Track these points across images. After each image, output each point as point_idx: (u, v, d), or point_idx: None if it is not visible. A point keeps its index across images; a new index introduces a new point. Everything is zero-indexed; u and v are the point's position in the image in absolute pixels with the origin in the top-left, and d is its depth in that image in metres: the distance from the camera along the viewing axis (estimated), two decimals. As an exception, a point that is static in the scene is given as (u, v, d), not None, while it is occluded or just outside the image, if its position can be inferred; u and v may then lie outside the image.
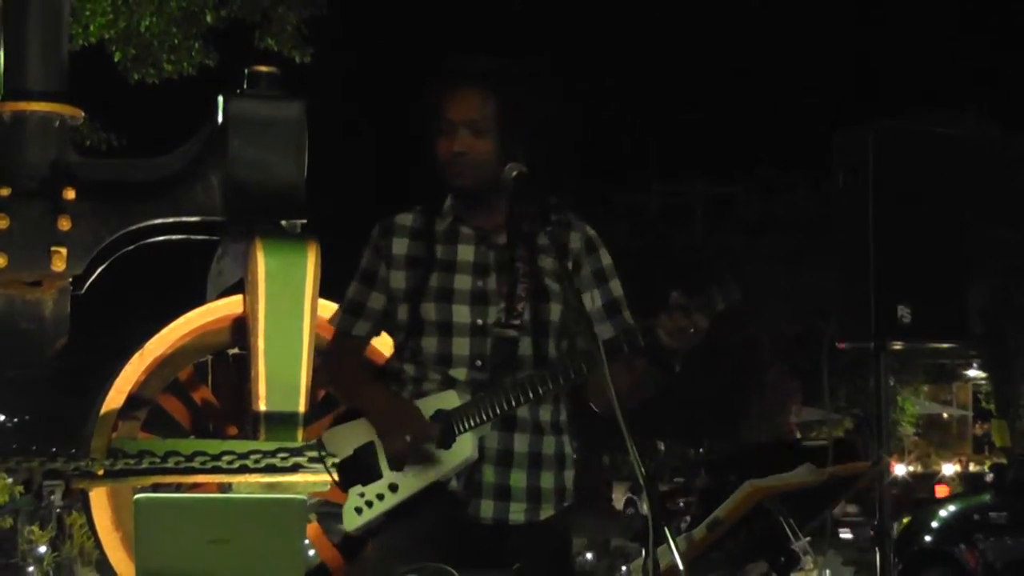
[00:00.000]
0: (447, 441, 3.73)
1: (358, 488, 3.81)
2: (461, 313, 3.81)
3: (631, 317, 3.93)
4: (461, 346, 3.81)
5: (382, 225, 3.97)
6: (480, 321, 3.81)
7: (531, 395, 3.74)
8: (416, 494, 3.76)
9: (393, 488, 3.76)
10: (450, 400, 3.77)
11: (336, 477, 3.88)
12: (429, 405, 3.80)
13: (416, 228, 3.93)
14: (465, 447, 3.74)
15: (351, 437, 3.87)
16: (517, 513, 3.82)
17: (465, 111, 3.82)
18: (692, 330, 3.66)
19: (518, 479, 3.83)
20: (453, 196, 3.92)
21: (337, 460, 3.86)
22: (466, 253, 3.87)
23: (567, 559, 4.04)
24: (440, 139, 3.84)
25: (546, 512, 3.87)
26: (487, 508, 3.80)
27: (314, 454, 6.98)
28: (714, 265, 29.73)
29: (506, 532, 3.81)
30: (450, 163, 3.83)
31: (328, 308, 7.11)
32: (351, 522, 3.81)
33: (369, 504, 3.78)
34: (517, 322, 3.82)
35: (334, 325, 4.04)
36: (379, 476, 3.79)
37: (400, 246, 3.90)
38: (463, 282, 3.84)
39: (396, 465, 3.77)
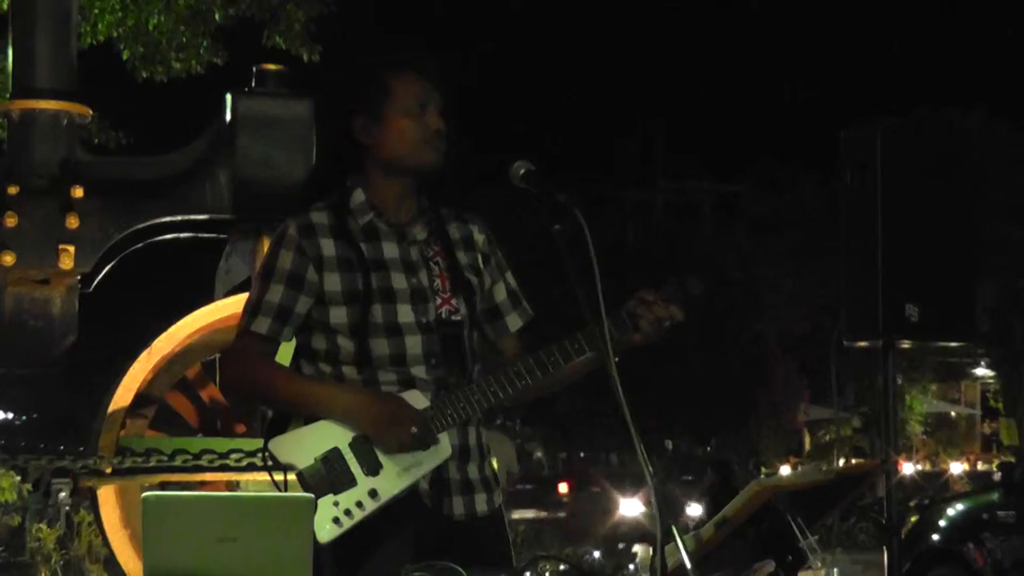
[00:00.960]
0: (430, 441, 3.71)
1: (331, 497, 3.64)
2: (405, 312, 3.76)
3: (529, 307, 4.02)
4: (414, 345, 3.75)
5: (299, 224, 3.77)
6: (424, 319, 3.77)
7: (511, 389, 3.75)
8: (394, 497, 3.68)
9: (373, 494, 3.66)
10: (416, 399, 3.71)
11: (302, 489, 3.65)
12: None
13: (333, 226, 3.80)
14: (445, 446, 3.73)
15: (309, 444, 3.69)
16: (481, 504, 3.82)
17: (432, 94, 3.83)
18: (668, 322, 3.78)
19: (474, 471, 3.82)
20: (367, 188, 3.84)
21: (298, 470, 3.65)
22: (391, 250, 3.81)
23: (508, 541, 4.05)
24: (409, 116, 3.80)
25: (498, 499, 3.90)
26: (458, 504, 3.78)
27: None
28: (722, 263, 29.68)
29: (476, 525, 3.81)
30: (430, 141, 3.79)
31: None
32: (328, 533, 3.62)
33: (347, 513, 3.64)
34: (458, 317, 3.82)
35: (257, 330, 3.76)
36: (354, 483, 3.66)
37: (327, 247, 3.76)
38: (399, 280, 3.78)
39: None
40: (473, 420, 3.82)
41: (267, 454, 3.72)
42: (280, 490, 3.66)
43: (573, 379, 3.92)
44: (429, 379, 3.75)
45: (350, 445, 3.69)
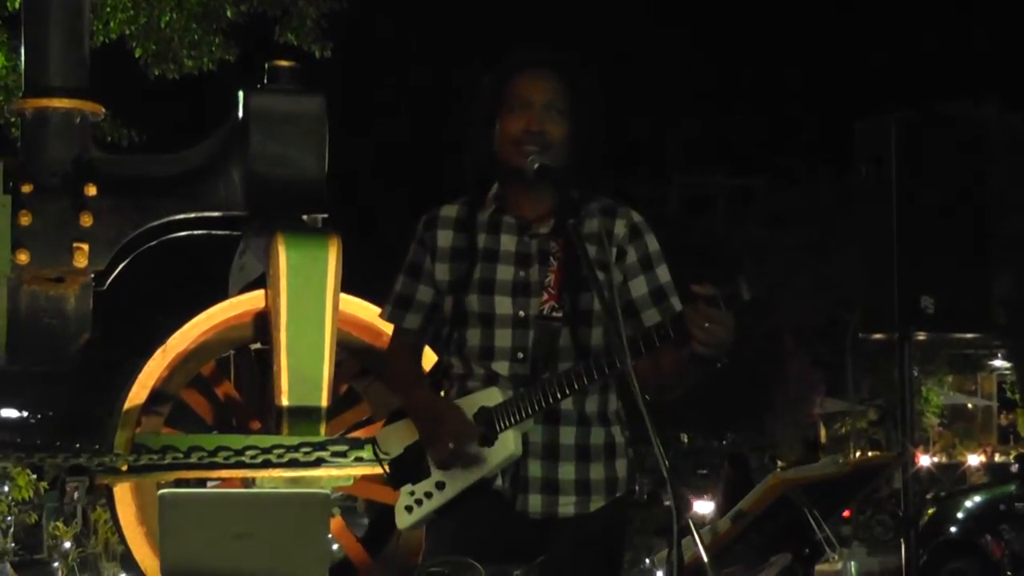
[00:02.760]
0: (489, 439, 3.72)
1: (408, 486, 3.83)
2: (503, 304, 3.79)
3: (679, 303, 3.87)
4: (503, 338, 3.78)
5: (427, 217, 3.95)
6: (522, 312, 3.78)
7: (572, 388, 3.71)
8: (462, 492, 3.75)
9: (440, 486, 3.77)
10: (492, 397, 3.74)
11: (388, 476, 3.92)
12: (472, 403, 3.78)
13: (459, 219, 3.91)
14: (508, 444, 3.72)
15: (402, 435, 3.89)
16: (566, 506, 3.80)
17: (544, 93, 3.82)
18: (720, 325, 3.52)
19: (566, 472, 3.79)
20: (501, 184, 3.89)
21: (390, 458, 3.88)
22: (508, 243, 3.84)
23: (619, 548, 4.00)
24: (510, 118, 3.81)
25: (596, 504, 3.84)
26: (535, 503, 3.78)
27: (338, 448, 7.00)
28: (736, 257, 29.67)
29: (556, 526, 3.79)
30: (523, 141, 3.79)
31: (350, 303, 7.12)
32: (402, 520, 3.83)
33: (419, 502, 3.80)
34: (559, 313, 3.79)
35: (384, 317, 4.04)
36: (428, 474, 3.79)
37: (444, 238, 3.89)
38: (505, 272, 3.81)
39: (442, 467, 3.77)
40: (569, 419, 3.79)
41: (374, 441, 3.98)
42: (388, 479, 3.94)
43: (676, 382, 3.76)
44: (507, 375, 3.77)
45: None
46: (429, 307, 3.94)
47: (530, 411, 3.71)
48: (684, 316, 3.57)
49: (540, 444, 3.76)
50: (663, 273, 3.93)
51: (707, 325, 3.50)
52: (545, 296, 3.80)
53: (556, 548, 3.74)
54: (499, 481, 3.75)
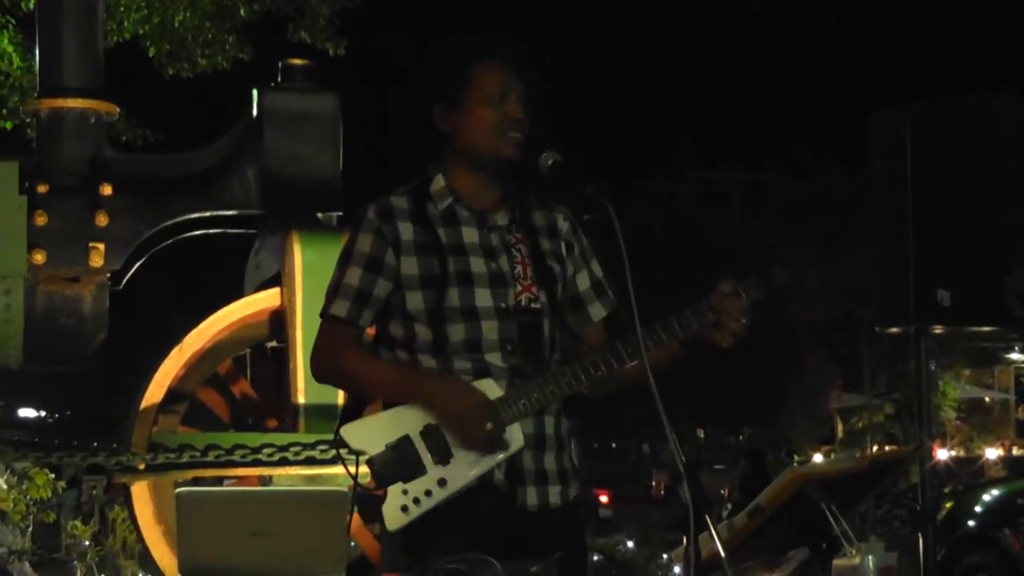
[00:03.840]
0: (500, 442, 3.69)
1: (400, 485, 3.64)
2: (483, 296, 3.73)
3: (613, 297, 3.95)
4: (490, 330, 3.72)
5: (379, 208, 3.78)
6: (503, 304, 3.74)
7: (585, 379, 3.72)
8: (463, 487, 3.67)
9: (442, 483, 3.65)
10: (490, 388, 3.68)
11: (371, 476, 3.68)
12: None
13: (412, 211, 3.79)
14: (517, 437, 3.71)
15: (379, 432, 3.70)
16: (555, 496, 3.79)
17: (517, 83, 3.80)
18: (746, 316, 3.65)
19: (551, 461, 3.78)
20: (452, 172, 3.83)
21: (372, 456, 3.65)
22: (470, 236, 3.78)
23: (584, 534, 4.04)
24: (486, 106, 3.78)
25: (574, 491, 3.85)
26: (531, 495, 3.76)
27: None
28: (751, 251, 29.62)
29: (548, 517, 3.79)
30: (509, 130, 3.76)
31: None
32: (396, 521, 3.64)
33: (416, 501, 3.64)
34: (538, 305, 3.78)
35: (336, 313, 3.76)
36: (423, 472, 3.66)
37: (406, 231, 3.75)
38: (478, 265, 3.75)
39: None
40: (550, 409, 3.78)
41: (338, 440, 3.71)
42: (352, 477, 3.67)
43: (657, 370, 3.71)
44: (504, 367, 3.72)
45: (421, 433, 3.68)
46: (383, 303, 3.77)
47: (543, 402, 3.70)
48: (704, 308, 3.65)
49: (531, 435, 3.73)
50: (596, 267, 3.96)
51: (742, 320, 3.63)
52: (519, 287, 3.77)
53: (549, 538, 3.73)
54: (496, 475, 3.73)
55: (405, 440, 3.68)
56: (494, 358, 3.73)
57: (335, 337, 3.81)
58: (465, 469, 3.67)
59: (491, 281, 3.76)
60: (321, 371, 3.89)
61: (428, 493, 3.66)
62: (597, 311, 3.92)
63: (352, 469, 3.68)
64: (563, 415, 3.86)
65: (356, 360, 3.81)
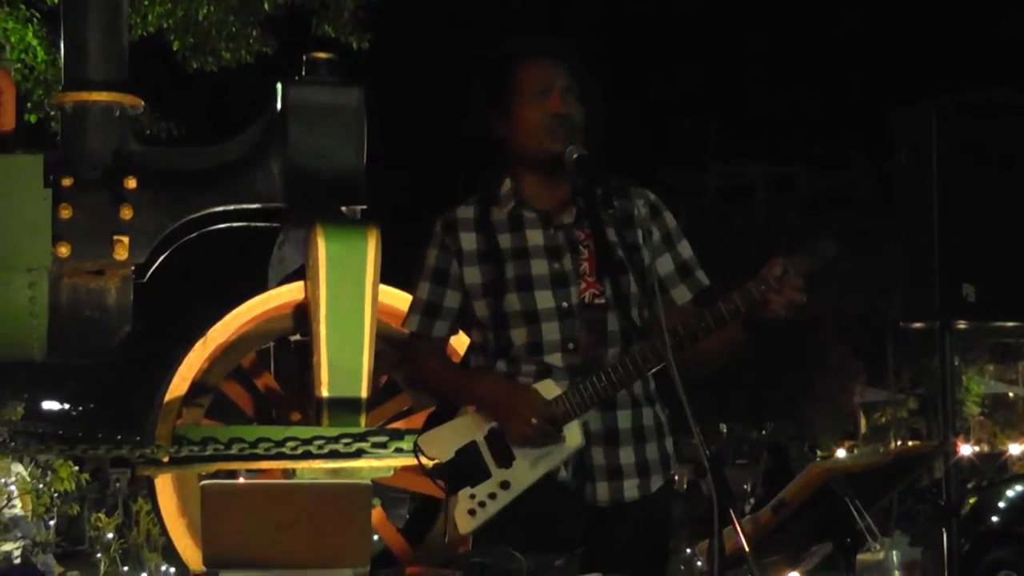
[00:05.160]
0: (553, 433, 3.70)
1: (467, 490, 3.73)
2: (544, 299, 3.76)
3: (705, 276, 3.94)
4: (551, 331, 3.75)
5: (445, 221, 3.88)
6: (565, 304, 3.76)
7: (636, 373, 3.72)
8: (528, 489, 3.71)
9: (505, 485, 3.70)
10: (548, 389, 3.71)
11: (442, 482, 3.81)
12: None
13: (476, 220, 3.86)
14: (574, 435, 3.70)
15: (450, 438, 3.80)
16: (631, 489, 3.79)
17: (561, 78, 3.81)
18: (798, 293, 3.61)
19: (627, 455, 3.79)
20: (515, 176, 3.87)
21: (442, 463, 3.77)
22: (535, 238, 3.81)
23: (669, 529, 4.04)
24: (531, 105, 3.79)
25: (656, 483, 3.85)
26: (603, 490, 3.77)
27: (378, 439, 7.01)
28: (776, 245, 29.57)
29: (622, 510, 3.79)
30: (552, 126, 3.77)
31: (389, 294, 7.13)
32: (466, 525, 3.74)
33: (482, 505, 3.71)
34: (602, 300, 3.78)
35: (409, 328, 3.94)
36: (488, 475, 3.73)
37: (468, 241, 3.83)
38: (539, 267, 3.78)
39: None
40: (625, 401, 3.79)
41: (416, 448, 3.84)
42: (440, 487, 3.81)
43: (720, 355, 3.83)
44: (564, 366, 3.74)
45: (485, 438, 3.76)
46: (457, 313, 3.89)
47: (595, 401, 3.70)
48: (752, 292, 3.63)
49: (601, 431, 3.75)
50: (684, 248, 3.95)
51: (796, 295, 3.60)
52: (583, 284, 3.79)
53: (622, 532, 3.74)
54: (563, 473, 3.74)
55: (471, 445, 3.77)
56: (554, 359, 3.76)
57: (412, 350, 3.99)
58: (527, 470, 3.72)
59: (552, 282, 3.79)
60: (406, 381, 4.08)
61: (492, 496, 3.72)
62: (681, 294, 3.92)
63: (431, 477, 3.78)
64: (648, 406, 3.85)
65: (427, 369, 3.96)
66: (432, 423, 3.87)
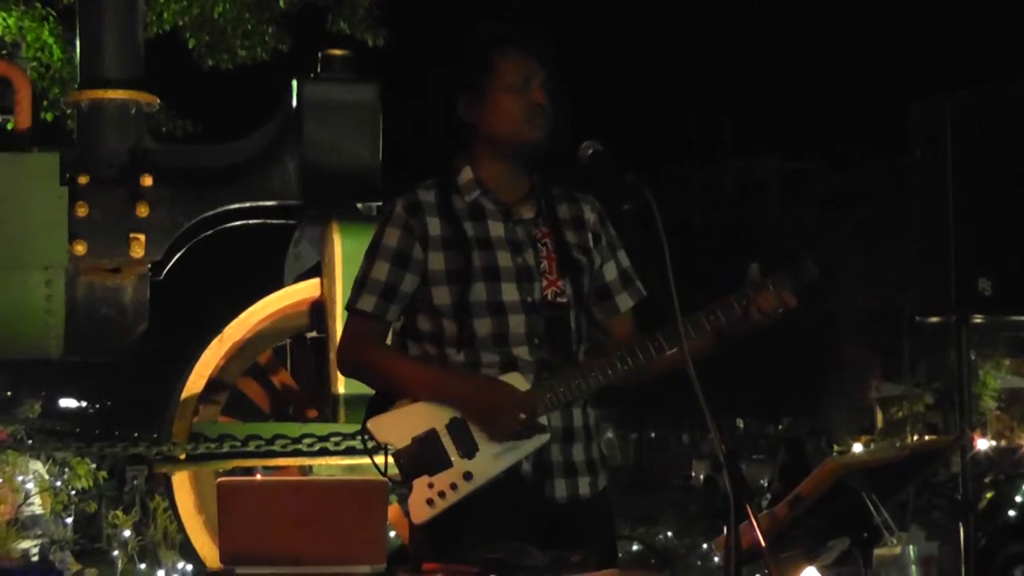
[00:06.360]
0: (537, 428, 3.69)
1: (425, 479, 3.64)
2: (510, 291, 3.73)
3: (643, 287, 3.95)
4: (517, 324, 3.72)
5: (407, 202, 3.77)
6: (530, 298, 3.74)
7: (612, 373, 3.72)
8: (490, 480, 3.66)
9: (467, 476, 3.64)
10: (517, 381, 3.68)
11: (397, 469, 3.68)
12: None
13: (439, 205, 3.79)
14: (544, 429, 3.71)
15: (406, 424, 3.69)
16: (584, 487, 3.79)
17: (540, 70, 3.81)
18: (780, 309, 3.71)
19: (579, 453, 3.78)
20: (478, 163, 3.82)
21: (399, 449, 3.66)
22: (496, 229, 3.78)
23: (614, 524, 4.03)
24: (511, 94, 3.78)
25: (602, 482, 3.86)
26: (560, 487, 3.75)
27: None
28: (791, 240, 29.53)
29: (577, 508, 3.78)
30: (531, 116, 3.76)
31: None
32: (422, 513, 3.64)
33: (441, 495, 3.63)
34: (564, 299, 3.78)
35: (364, 308, 3.77)
36: (448, 465, 3.65)
37: (434, 226, 3.75)
38: (504, 259, 3.75)
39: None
40: (578, 401, 3.77)
41: (365, 432, 3.74)
42: (378, 470, 3.68)
43: (668, 369, 3.81)
44: (531, 360, 3.72)
45: (447, 427, 3.68)
46: (410, 298, 3.78)
47: (571, 395, 3.70)
48: (741, 302, 3.70)
49: (559, 427, 3.73)
50: (623, 258, 3.96)
51: (772, 312, 3.71)
52: (545, 282, 3.77)
53: (582, 531, 3.72)
54: (524, 467, 3.72)
55: (431, 433, 3.68)
56: (521, 351, 3.73)
57: (361, 332, 3.82)
58: (490, 462, 3.67)
59: (517, 275, 3.76)
60: (347, 365, 3.90)
61: (454, 487, 3.65)
62: (624, 301, 3.93)
63: (380, 461, 3.68)
64: (590, 406, 3.86)
65: (382, 356, 3.81)
66: (376, 409, 3.77)
